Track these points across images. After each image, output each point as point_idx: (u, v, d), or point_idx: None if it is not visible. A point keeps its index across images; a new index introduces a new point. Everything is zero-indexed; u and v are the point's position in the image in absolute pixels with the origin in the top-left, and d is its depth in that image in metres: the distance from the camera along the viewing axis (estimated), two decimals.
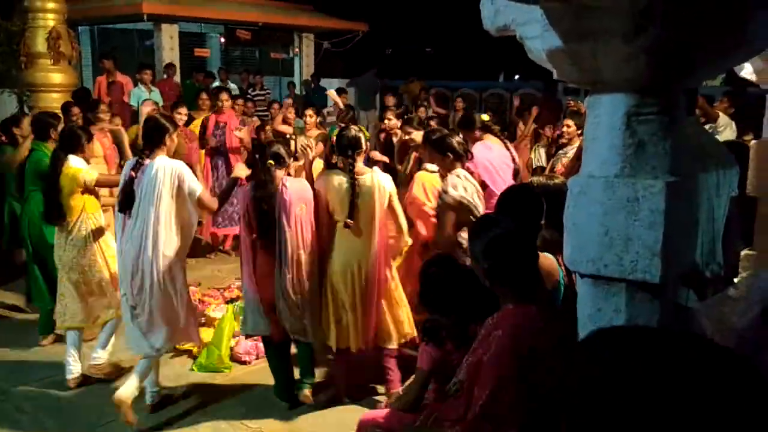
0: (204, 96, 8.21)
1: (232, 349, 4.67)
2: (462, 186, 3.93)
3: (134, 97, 9.54)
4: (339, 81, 13.81)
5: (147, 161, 3.79)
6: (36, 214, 4.79)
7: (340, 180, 3.94)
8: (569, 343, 1.97)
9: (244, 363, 4.64)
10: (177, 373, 4.51)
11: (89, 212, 4.38)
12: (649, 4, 1.76)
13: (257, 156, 4.30)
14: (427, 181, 4.44)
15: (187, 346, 4.62)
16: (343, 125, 5.97)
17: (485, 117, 5.70)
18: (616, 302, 2.06)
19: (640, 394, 0.75)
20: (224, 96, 7.66)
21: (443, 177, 4.11)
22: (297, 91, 13.80)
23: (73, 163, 4.34)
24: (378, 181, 3.97)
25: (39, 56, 7.95)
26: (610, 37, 1.89)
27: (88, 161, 4.53)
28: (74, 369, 4.31)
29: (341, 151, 4.01)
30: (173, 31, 12.63)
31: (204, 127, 7.58)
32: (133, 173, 3.76)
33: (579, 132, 5.75)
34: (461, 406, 2.12)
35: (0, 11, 10.31)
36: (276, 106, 7.73)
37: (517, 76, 18.78)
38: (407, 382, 2.73)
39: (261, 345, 4.46)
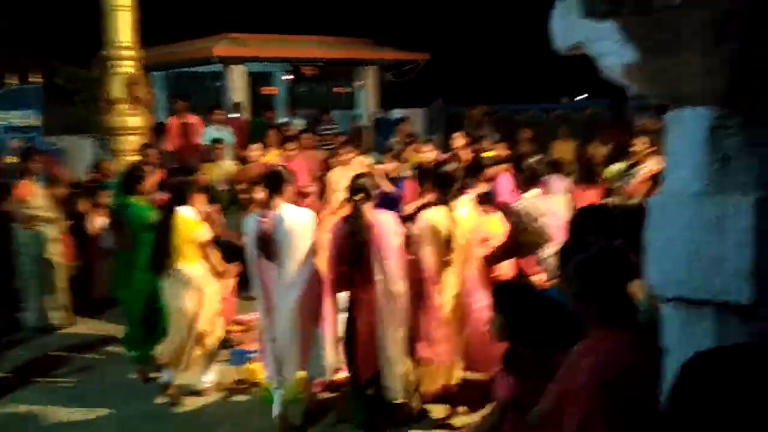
0: (271, 132, 8.41)
1: None
2: (528, 210, 3.94)
3: (207, 136, 9.85)
4: (402, 111, 13.91)
5: (274, 210, 3.96)
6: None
7: (440, 213, 3.98)
8: (660, 367, 1.87)
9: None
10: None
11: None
12: (728, 14, 1.69)
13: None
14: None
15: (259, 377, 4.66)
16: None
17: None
18: (705, 326, 1.95)
19: None
20: (290, 145, 7.78)
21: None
22: (363, 121, 13.98)
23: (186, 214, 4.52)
24: (473, 214, 4.04)
25: (117, 101, 8.35)
26: (691, 49, 1.82)
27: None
28: None
29: (437, 185, 4.10)
30: (242, 72, 13.04)
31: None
32: (264, 221, 3.94)
33: (649, 151, 5.57)
34: None
35: (79, 60, 10.91)
36: (349, 148, 7.75)
37: (585, 95, 18.41)
38: (484, 412, 2.66)
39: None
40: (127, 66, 8.27)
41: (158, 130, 8.22)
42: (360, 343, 3.99)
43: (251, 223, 4.06)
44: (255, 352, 5.26)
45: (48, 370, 5.43)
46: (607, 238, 2.52)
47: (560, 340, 2.17)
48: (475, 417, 3.84)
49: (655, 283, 2.06)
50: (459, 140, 6.99)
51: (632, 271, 2.10)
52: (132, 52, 8.31)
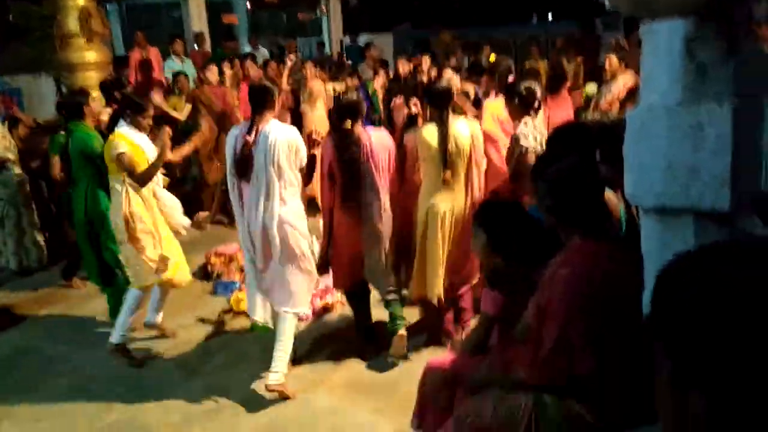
0: (237, 63, 8.21)
1: None
2: (532, 135, 3.98)
3: (167, 68, 9.58)
4: (367, 36, 13.63)
5: (261, 126, 3.77)
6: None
7: (431, 131, 3.98)
8: (640, 275, 1.95)
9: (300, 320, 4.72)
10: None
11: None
12: None
13: (331, 111, 4.31)
14: (494, 109, 4.58)
15: (243, 306, 4.71)
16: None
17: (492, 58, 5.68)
18: (684, 234, 2.01)
19: None
20: (248, 64, 7.64)
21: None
22: (326, 50, 13.68)
23: (124, 131, 4.29)
24: (471, 129, 4.06)
25: (72, 36, 8.03)
26: None
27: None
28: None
29: (432, 102, 4.09)
30: (200, 1, 12.58)
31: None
32: (248, 137, 3.74)
33: (621, 66, 5.60)
34: (529, 348, 2.12)
35: None
36: (309, 64, 7.68)
37: (550, 17, 18.22)
38: (470, 327, 2.75)
39: (316, 301, 4.70)
40: None
41: (118, 63, 7.95)
42: (345, 260, 4.10)
43: (233, 139, 3.85)
44: (238, 282, 5.35)
45: (30, 310, 5.43)
46: (583, 153, 2.56)
47: (542, 256, 2.23)
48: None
49: (634, 194, 2.11)
50: (426, 62, 7.01)
51: (603, 183, 2.15)
52: None
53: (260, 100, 3.82)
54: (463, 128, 4.02)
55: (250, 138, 3.72)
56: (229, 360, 4.35)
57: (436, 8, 16.77)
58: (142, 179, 4.24)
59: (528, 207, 2.83)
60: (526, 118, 4.07)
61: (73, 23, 7.94)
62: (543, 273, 2.13)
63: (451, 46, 11.37)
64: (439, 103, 4.02)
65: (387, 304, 4.13)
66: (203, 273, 5.75)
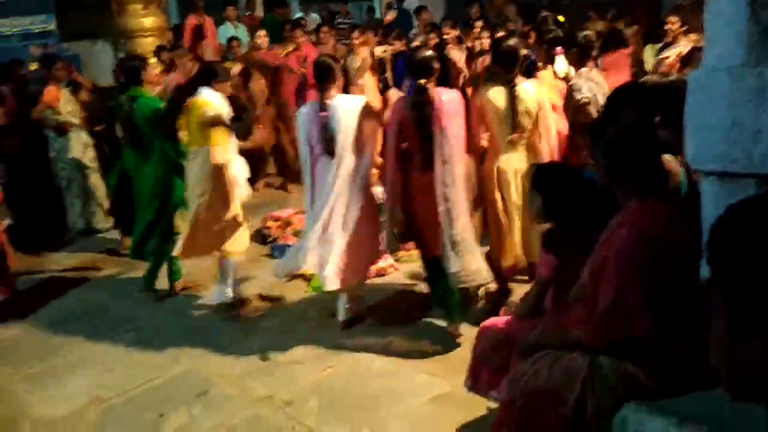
0: (288, 28, 8.23)
1: None
2: (587, 87, 3.97)
3: (221, 35, 9.68)
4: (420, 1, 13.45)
5: (329, 101, 3.90)
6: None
7: (498, 92, 3.92)
8: (699, 239, 1.95)
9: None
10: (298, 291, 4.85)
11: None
12: None
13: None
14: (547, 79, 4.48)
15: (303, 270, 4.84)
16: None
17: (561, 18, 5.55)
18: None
19: None
20: (298, 33, 7.65)
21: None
22: (377, 15, 13.56)
23: (206, 96, 4.37)
24: (538, 91, 3.97)
25: (129, 3, 8.20)
26: None
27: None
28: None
29: (500, 63, 4.00)
30: None
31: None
32: (322, 114, 3.89)
33: (683, 29, 5.44)
34: (584, 309, 2.15)
35: None
36: (356, 33, 7.65)
37: None
38: (526, 290, 2.79)
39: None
40: None
41: (177, 30, 8.10)
42: (422, 225, 3.93)
43: (306, 115, 4.00)
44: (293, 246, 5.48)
45: (95, 270, 5.71)
46: (642, 113, 2.54)
47: (599, 219, 2.24)
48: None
49: (694, 157, 2.09)
50: (449, 32, 6.98)
51: (661, 143, 2.14)
52: None
53: (325, 76, 3.94)
54: (530, 90, 3.94)
55: (324, 114, 3.86)
56: (287, 319, 4.49)
57: None
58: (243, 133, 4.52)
59: (584, 169, 2.82)
60: (582, 70, 4.05)
61: None
62: (599, 235, 2.15)
63: (504, 10, 11.13)
64: (507, 64, 3.94)
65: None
66: (260, 237, 5.91)
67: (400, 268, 5.05)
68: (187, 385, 3.80)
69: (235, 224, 4.47)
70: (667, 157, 2.40)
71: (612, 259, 2.00)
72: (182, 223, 4.55)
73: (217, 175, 4.30)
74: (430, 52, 4.02)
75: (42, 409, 3.72)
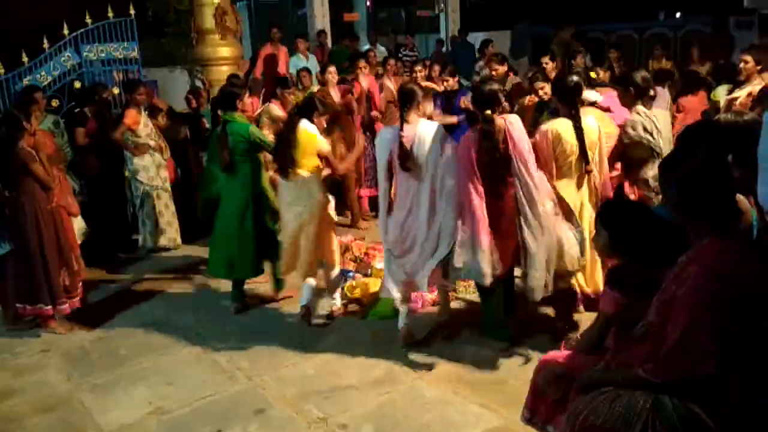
0: (361, 62, 8.38)
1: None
2: (643, 126, 4.07)
3: (292, 65, 9.97)
4: (486, 34, 13.57)
5: (411, 124, 4.15)
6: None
7: (567, 125, 4.07)
8: None
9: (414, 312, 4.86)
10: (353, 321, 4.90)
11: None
12: None
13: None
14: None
15: (357, 294, 4.94)
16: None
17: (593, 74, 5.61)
18: None
19: None
20: (361, 63, 7.79)
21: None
22: (444, 48, 13.74)
23: (308, 128, 4.69)
24: (599, 123, 4.17)
25: (207, 32, 8.57)
26: None
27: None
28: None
29: (563, 98, 4.15)
30: None
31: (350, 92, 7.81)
32: (404, 136, 4.11)
33: (758, 68, 5.32)
34: (648, 348, 2.11)
35: None
36: (418, 67, 7.71)
37: (678, 14, 17.33)
38: (587, 326, 2.75)
39: (426, 294, 4.86)
40: None
41: (253, 61, 8.41)
42: (502, 247, 4.06)
43: (388, 137, 4.22)
44: (352, 271, 5.57)
45: (163, 286, 5.91)
46: (715, 151, 2.49)
47: (667, 257, 2.20)
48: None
49: (766, 198, 2.06)
50: (497, 67, 7.01)
51: (735, 183, 2.10)
52: None
53: (408, 100, 4.17)
54: (592, 122, 4.13)
55: (406, 136, 4.08)
56: (341, 343, 4.54)
57: (558, 4, 16.40)
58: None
59: (655, 206, 2.79)
60: (639, 107, 4.13)
61: (209, 20, 8.47)
62: (668, 273, 2.11)
63: (572, 45, 11.10)
64: (570, 98, 4.10)
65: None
66: (319, 262, 6.00)
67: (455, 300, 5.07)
68: (246, 403, 3.88)
69: (332, 241, 4.92)
70: (739, 197, 2.35)
71: (682, 296, 1.96)
72: (285, 243, 4.80)
73: (323, 198, 4.74)
74: (496, 85, 4.16)
75: (105, 417, 3.85)
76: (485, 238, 3.96)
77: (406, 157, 4.09)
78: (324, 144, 4.76)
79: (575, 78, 4.14)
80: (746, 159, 2.21)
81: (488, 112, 3.96)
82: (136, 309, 5.44)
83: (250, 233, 4.97)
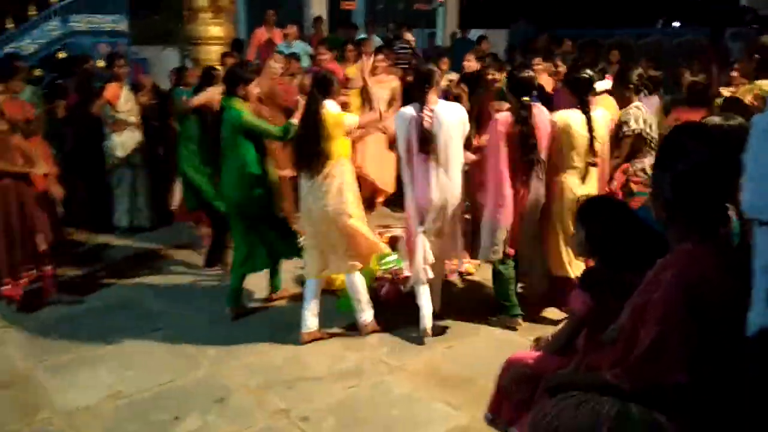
0: (350, 47, 8.29)
1: (376, 290, 4.79)
2: (642, 118, 4.30)
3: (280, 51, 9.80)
4: (484, 31, 13.46)
5: (431, 105, 4.07)
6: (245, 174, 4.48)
7: (576, 117, 4.18)
8: (747, 286, 1.81)
9: (384, 303, 4.74)
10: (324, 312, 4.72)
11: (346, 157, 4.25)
12: None
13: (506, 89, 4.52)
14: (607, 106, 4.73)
15: (337, 285, 4.77)
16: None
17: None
18: None
19: None
20: (321, 50, 7.71)
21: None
22: (437, 42, 13.62)
23: (332, 108, 4.18)
24: (606, 117, 4.32)
25: (200, 10, 8.38)
26: None
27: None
28: (310, 323, 4.31)
29: (576, 90, 4.24)
30: None
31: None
32: (425, 116, 4.02)
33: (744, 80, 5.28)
34: (618, 353, 2.02)
35: None
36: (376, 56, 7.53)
37: (677, 23, 17.34)
38: (558, 326, 2.66)
39: (401, 287, 4.68)
40: None
41: (237, 47, 8.17)
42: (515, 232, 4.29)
43: (409, 118, 4.06)
44: None
45: (136, 267, 5.76)
46: (715, 152, 2.39)
47: (642, 263, 2.10)
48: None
49: (751, 204, 1.96)
50: (470, 59, 7.13)
51: (730, 188, 1.99)
52: None
53: (427, 82, 4.07)
54: (600, 116, 4.24)
55: (428, 117, 4.00)
56: None
57: (557, 7, 16.32)
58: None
59: (638, 208, 2.70)
60: (636, 102, 4.36)
61: None
62: (643, 277, 2.01)
63: (547, 50, 10.99)
64: (581, 91, 4.21)
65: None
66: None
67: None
68: (206, 391, 3.76)
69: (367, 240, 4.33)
70: None
71: (655, 302, 1.87)
72: (313, 242, 4.31)
73: (353, 184, 4.26)
74: (530, 72, 4.32)
75: (62, 398, 3.72)
76: (507, 217, 4.18)
77: (428, 141, 4.01)
78: (353, 119, 4.28)
79: (588, 72, 4.29)
80: (732, 163, 2.10)
81: (526, 98, 4.10)
82: (106, 290, 5.30)
83: (256, 228, 4.54)
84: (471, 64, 7.06)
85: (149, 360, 4.13)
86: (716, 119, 2.76)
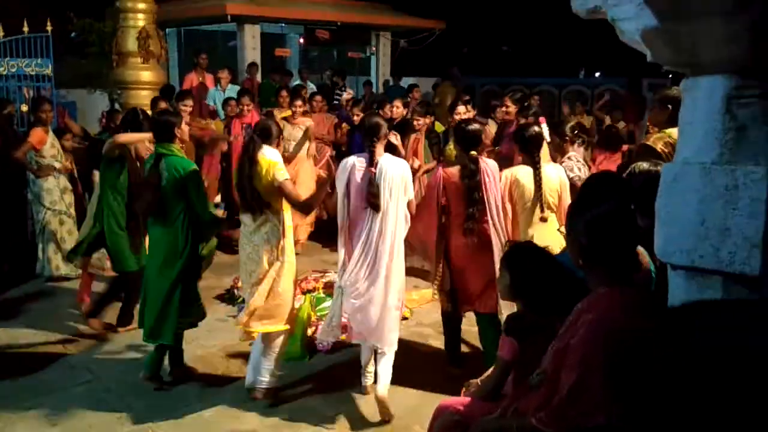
0: (284, 93, 8.36)
1: (309, 337, 4.75)
2: (577, 168, 4.50)
3: (210, 97, 9.78)
4: (415, 79, 13.81)
5: (377, 158, 3.97)
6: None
7: (527, 172, 4.24)
8: (664, 329, 1.90)
9: (320, 351, 4.74)
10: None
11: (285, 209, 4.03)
12: None
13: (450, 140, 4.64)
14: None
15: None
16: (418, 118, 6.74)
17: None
18: (711, 296, 1.96)
19: None
20: (245, 100, 7.76)
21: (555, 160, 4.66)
22: (374, 89, 13.87)
23: (269, 155, 3.97)
24: (558, 174, 4.36)
25: (130, 55, 8.32)
26: (710, 15, 1.81)
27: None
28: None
29: (525, 148, 4.30)
30: (255, 32, 12.92)
31: (228, 129, 7.75)
32: (372, 170, 3.92)
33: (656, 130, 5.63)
34: (542, 397, 2.07)
35: (93, 13, 10.84)
36: (397, 102, 7.65)
37: (598, 73, 18.27)
38: (487, 372, 2.70)
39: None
40: (140, 19, 8.24)
41: (166, 94, 8.05)
42: (473, 286, 4.24)
43: (347, 171, 3.98)
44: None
45: (62, 319, 5.49)
46: (624, 199, 2.51)
47: (564, 307, 2.18)
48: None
49: (664, 249, 2.07)
50: (399, 106, 7.45)
51: (640, 234, 2.10)
52: (145, 5, 8.28)
53: (374, 133, 3.98)
54: (552, 172, 4.31)
55: (374, 170, 3.92)
56: (240, 386, 4.26)
57: (484, 57, 16.97)
58: (309, 206, 4.19)
59: (558, 253, 2.79)
60: (571, 153, 4.57)
61: (131, 42, 8.22)
62: (563, 321, 2.09)
63: (453, 97, 11.42)
64: (530, 148, 4.27)
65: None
66: (229, 296, 5.80)
67: None
68: None
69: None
70: (639, 249, 2.38)
71: (575, 345, 1.93)
72: (251, 297, 4.01)
73: (287, 240, 4.02)
74: (478, 126, 4.38)
75: None
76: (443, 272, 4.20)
77: (375, 195, 3.87)
78: (282, 173, 3.94)
79: (536, 129, 4.37)
80: (647, 209, 2.22)
81: (473, 152, 4.12)
82: (30, 342, 5.03)
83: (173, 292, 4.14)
84: (398, 110, 7.29)
85: (74, 417, 3.93)
86: (645, 165, 2.91)
